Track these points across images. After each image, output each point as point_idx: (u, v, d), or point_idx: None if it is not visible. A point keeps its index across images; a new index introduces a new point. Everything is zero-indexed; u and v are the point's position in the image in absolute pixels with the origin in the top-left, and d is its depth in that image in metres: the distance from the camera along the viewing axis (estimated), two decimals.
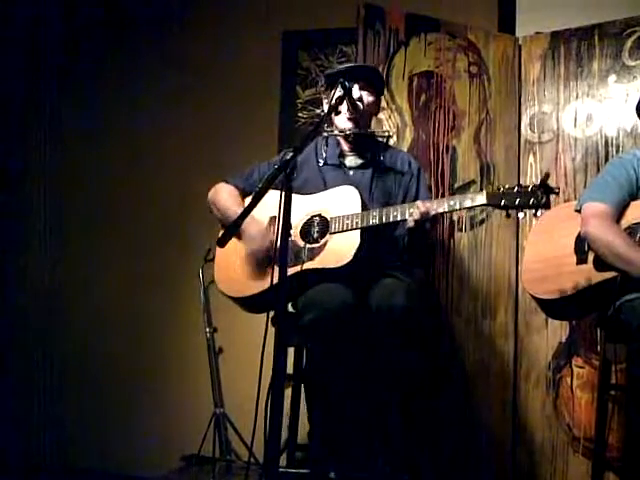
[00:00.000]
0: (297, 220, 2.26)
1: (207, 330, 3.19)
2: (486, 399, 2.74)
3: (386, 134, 2.47)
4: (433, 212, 2.12)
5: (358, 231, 2.18)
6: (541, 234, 2.30)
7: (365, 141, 2.42)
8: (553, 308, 2.28)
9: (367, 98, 2.35)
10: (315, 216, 2.28)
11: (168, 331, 3.37)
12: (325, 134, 2.38)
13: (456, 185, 2.82)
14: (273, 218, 2.28)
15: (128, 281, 3.43)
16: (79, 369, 3.40)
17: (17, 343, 3.51)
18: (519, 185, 2.05)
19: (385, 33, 2.79)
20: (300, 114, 3.33)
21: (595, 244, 2.11)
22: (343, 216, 2.21)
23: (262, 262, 2.24)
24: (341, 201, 2.25)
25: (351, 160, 2.42)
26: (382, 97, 2.54)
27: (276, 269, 1.71)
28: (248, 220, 1.99)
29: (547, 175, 2.02)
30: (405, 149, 2.77)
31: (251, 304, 2.30)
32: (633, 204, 2.18)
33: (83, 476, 3.22)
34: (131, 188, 3.48)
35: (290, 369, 2.18)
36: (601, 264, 2.10)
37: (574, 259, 2.18)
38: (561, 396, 2.70)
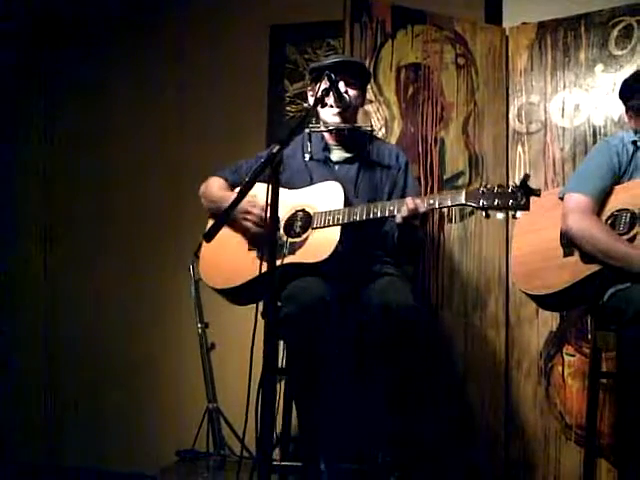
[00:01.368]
0: (282, 214, 2.26)
1: (199, 326, 3.20)
2: (478, 389, 2.76)
3: (369, 129, 2.46)
4: (422, 209, 2.10)
5: (339, 227, 2.18)
6: (527, 225, 2.30)
7: (351, 134, 2.41)
8: (544, 302, 2.30)
9: (352, 92, 2.35)
10: (299, 211, 2.28)
11: (160, 327, 3.37)
12: (307, 130, 2.38)
13: (445, 177, 2.83)
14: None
15: (120, 278, 3.42)
16: (72, 366, 3.40)
17: (14, 341, 3.51)
18: (499, 185, 2.03)
19: (372, 25, 2.79)
20: (288, 108, 3.33)
21: (577, 240, 2.12)
22: (325, 212, 2.21)
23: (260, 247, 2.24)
24: (325, 196, 2.26)
25: (337, 154, 2.42)
26: (368, 89, 2.54)
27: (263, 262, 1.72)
28: (245, 203, 1.97)
29: (527, 176, 2.00)
30: (393, 141, 2.78)
31: (236, 295, 2.31)
32: (616, 189, 2.19)
33: (78, 473, 3.23)
34: (122, 186, 3.47)
35: (282, 362, 2.19)
36: (587, 257, 2.11)
37: (561, 252, 2.19)
38: (553, 385, 2.71)
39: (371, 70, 2.72)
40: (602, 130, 2.73)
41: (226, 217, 1.82)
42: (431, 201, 2.12)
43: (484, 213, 2.04)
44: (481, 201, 2.03)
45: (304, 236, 2.24)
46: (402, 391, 2.17)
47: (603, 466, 2.58)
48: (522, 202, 1.98)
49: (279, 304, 2.19)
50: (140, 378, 3.35)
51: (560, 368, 2.71)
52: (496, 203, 2.01)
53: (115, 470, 3.21)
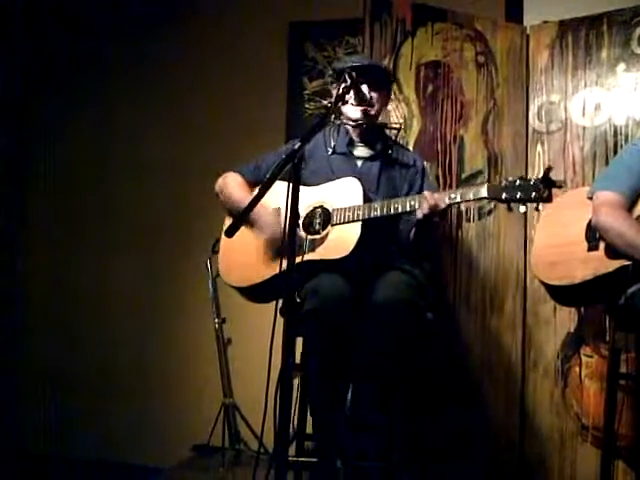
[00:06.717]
0: (301, 211, 2.25)
1: (216, 321, 3.22)
2: (494, 390, 2.75)
3: (397, 126, 2.47)
4: (443, 205, 2.10)
5: (359, 223, 2.17)
6: (552, 220, 2.29)
7: (374, 133, 2.42)
8: (562, 295, 2.27)
9: (375, 95, 2.35)
10: (318, 207, 2.28)
11: (177, 322, 3.39)
12: (337, 122, 2.38)
13: (464, 175, 2.82)
14: (278, 209, 2.29)
15: (137, 273, 3.45)
16: (90, 361, 3.43)
17: (25, 331, 3.54)
18: (521, 178, 2.03)
19: (392, 23, 2.79)
20: (307, 105, 3.33)
21: (607, 234, 2.10)
22: (345, 208, 2.21)
23: (278, 249, 2.24)
24: (343, 193, 2.25)
25: (360, 150, 2.42)
26: (391, 90, 2.52)
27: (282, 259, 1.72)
28: (260, 209, 1.98)
29: (549, 168, 1.99)
30: (412, 140, 2.78)
31: (254, 293, 2.31)
32: None
33: (94, 467, 3.25)
34: (138, 181, 3.49)
35: (299, 359, 2.19)
36: (613, 252, 2.09)
37: (585, 246, 2.17)
38: (570, 386, 2.70)
39: (391, 68, 2.72)
40: (623, 130, 2.71)
41: (246, 216, 1.82)
42: (453, 195, 2.11)
43: (507, 206, 2.03)
44: (503, 194, 2.02)
45: (324, 233, 2.23)
46: (412, 387, 2.16)
47: (620, 468, 2.56)
48: (545, 194, 1.97)
49: (298, 300, 2.20)
50: (156, 373, 3.37)
51: (577, 369, 2.69)
52: (519, 196, 2.00)
53: (130, 463, 3.23)
